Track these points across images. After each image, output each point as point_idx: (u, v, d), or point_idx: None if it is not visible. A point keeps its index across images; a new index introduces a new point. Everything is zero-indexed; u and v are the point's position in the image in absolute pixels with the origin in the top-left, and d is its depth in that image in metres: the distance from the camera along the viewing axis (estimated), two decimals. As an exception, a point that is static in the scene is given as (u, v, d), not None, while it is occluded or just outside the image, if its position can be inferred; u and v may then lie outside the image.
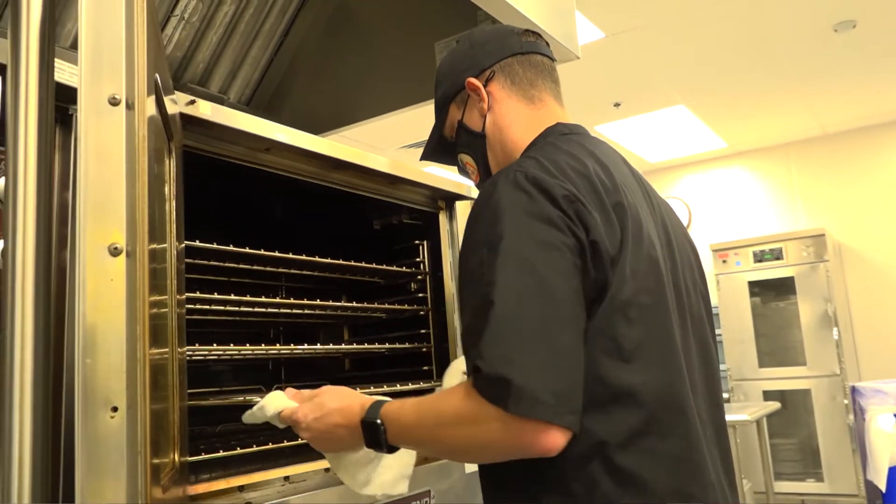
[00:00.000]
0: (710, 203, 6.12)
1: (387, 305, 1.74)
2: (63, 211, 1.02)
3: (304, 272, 1.68)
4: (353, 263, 1.62)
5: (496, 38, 1.18)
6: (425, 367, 1.72)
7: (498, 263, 0.87)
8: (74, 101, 1.05)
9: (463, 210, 1.71)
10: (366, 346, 1.75)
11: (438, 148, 1.24)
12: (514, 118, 1.13)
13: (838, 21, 3.67)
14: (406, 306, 1.74)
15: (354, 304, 1.69)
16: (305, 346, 1.66)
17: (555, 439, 0.82)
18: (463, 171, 1.24)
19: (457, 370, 1.31)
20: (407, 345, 1.71)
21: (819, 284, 4.93)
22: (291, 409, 1.08)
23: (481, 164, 1.17)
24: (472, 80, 1.14)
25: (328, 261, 1.56)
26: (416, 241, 1.78)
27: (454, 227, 1.72)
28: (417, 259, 1.77)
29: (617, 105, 4.67)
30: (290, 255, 1.48)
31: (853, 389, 4.83)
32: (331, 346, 1.86)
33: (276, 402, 1.10)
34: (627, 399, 0.87)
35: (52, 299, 0.67)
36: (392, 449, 1.00)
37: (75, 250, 0.64)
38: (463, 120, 1.17)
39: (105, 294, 0.59)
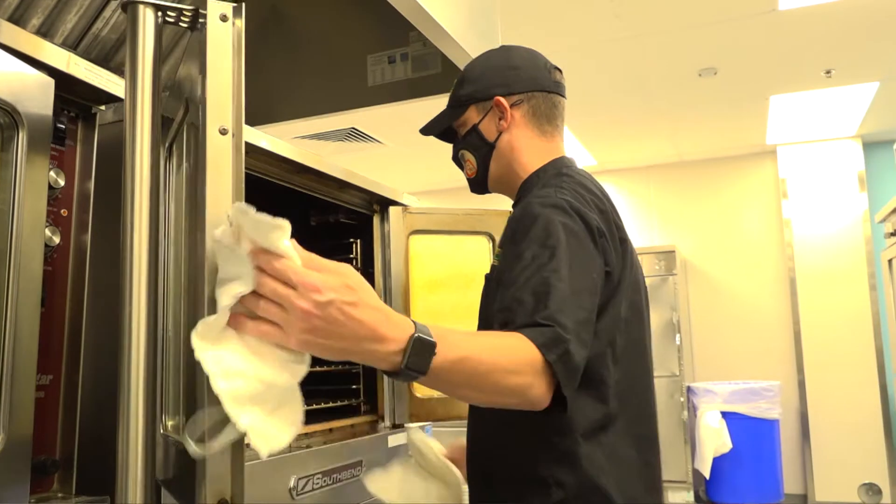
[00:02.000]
0: (577, 214, 6.62)
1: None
2: (84, 199, 1.13)
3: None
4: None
5: (532, 69, 1.34)
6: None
7: (559, 258, 1.05)
8: (97, 101, 1.17)
9: (396, 214, 1.91)
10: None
11: (444, 132, 1.39)
12: (525, 144, 1.30)
13: (703, 67, 4.20)
14: (338, 297, 1.91)
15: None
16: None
17: (546, 401, 0.98)
18: (458, 161, 1.40)
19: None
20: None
21: (668, 295, 5.53)
22: (294, 266, 0.77)
23: (481, 166, 1.34)
24: (502, 99, 1.29)
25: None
26: (351, 239, 1.96)
27: (385, 229, 1.91)
28: (350, 256, 1.95)
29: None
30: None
31: (688, 389, 5.46)
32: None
33: (273, 231, 0.75)
34: (606, 390, 1.15)
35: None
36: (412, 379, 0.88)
37: (175, 242, 0.80)
38: (479, 125, 1.31)
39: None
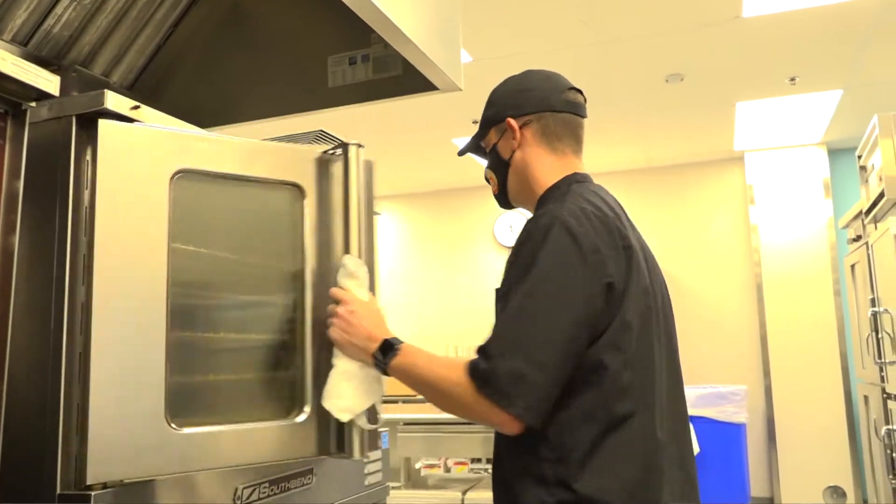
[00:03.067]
0: (548, 219, 6.62)
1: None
2: (12, 199, 1.09)
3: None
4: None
5: (544, 90, 1.41)
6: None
7: (525, 286, 1.16)
8: (27, 97, 1.13)
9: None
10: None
11: (476, 151, 1.52)
12: (537, 161, 1.39)
13: (669, 73, 4.23)
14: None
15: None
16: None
17: (501, 422, 1.15)
18: (487, 180, 1.49)
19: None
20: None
21: (636, 300, 5.54)
22: (342, 292, 1.34)
23: (501, 183, 1.45)
24: (512, 120, 1.39)
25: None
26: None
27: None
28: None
29: (475, 122, 4.99)
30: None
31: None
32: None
33: (338, 271, 1.36)
34: (615, 394, 1.18)
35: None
36: (385, 373, 1.29)
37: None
38: (497, 145, 1.42)
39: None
